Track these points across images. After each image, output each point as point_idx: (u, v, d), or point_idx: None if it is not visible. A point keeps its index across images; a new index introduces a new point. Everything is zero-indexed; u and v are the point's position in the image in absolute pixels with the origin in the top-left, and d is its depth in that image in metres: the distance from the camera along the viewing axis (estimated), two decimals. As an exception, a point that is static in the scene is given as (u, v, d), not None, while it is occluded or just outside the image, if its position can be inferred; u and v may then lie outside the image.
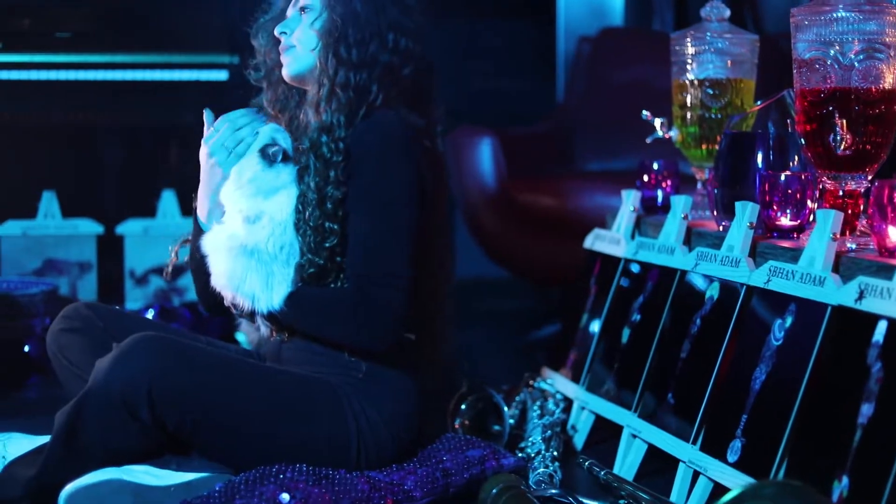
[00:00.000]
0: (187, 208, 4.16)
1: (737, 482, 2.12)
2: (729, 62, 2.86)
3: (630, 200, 2.95)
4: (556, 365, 3.00)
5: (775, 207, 2.42)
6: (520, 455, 2.53)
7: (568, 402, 2.85)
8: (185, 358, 2.23)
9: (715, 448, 2.22)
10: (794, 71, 2.30)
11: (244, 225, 2.34)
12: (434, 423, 2.59)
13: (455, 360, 2.58)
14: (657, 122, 2.94)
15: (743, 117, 2.69)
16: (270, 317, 2.36)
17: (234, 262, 2.32)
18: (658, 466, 2.47)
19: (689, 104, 2.89)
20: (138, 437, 2.19)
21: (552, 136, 4.60)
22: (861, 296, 1.99)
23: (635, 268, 2.80)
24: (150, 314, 3.75)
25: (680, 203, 2.69)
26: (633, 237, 2.91)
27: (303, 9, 2.39)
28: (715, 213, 2.64)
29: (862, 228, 2.27)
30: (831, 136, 2.24)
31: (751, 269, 2.33)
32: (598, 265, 2.98)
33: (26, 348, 3.42)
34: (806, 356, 2.06)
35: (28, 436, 2.40)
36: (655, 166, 3.03)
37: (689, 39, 2.88)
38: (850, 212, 2.26)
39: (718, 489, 2.21)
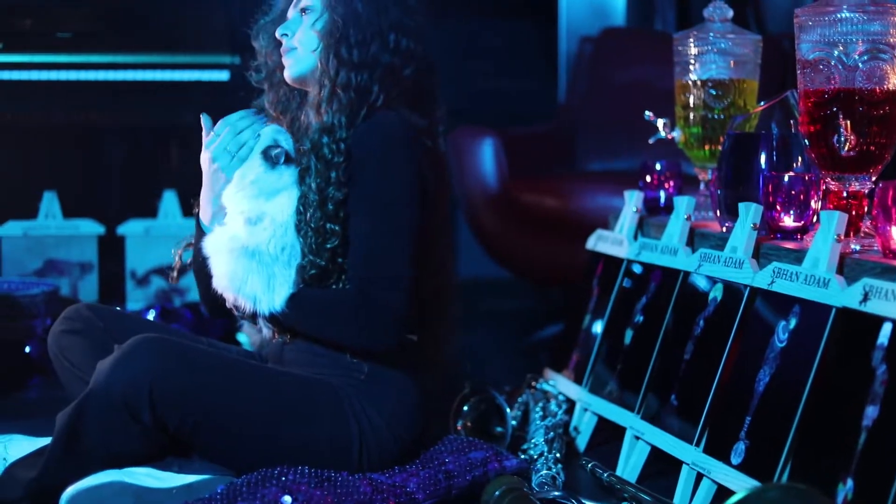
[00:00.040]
0: (189, 209, 4.12)
1: (740, 484, 2.11)
2: (732, 63, 2.85)
3: (633, 201, 2.94)
4: (559, 366, 3.00)
5: (779, 208, 2.41)
6: (522, 457, 2.52)
7: (570, 404, 2.84)
8: (187, 359, 2.22)
9: (718, 450, 2.22)
10: (798, 72, 2.30)
11: (245, 226, 2.33)
12: (436, 425, 2.58)
13: (458, 361, 2.57)
14: (660, 122, 2.94)
15: (746, 118, 2.68)
16: (272, 318, 2.35)
17: (236, 264, 2.32)
18: (661, 468, 2.47)
19: (691, 105, 2.88)
20: (140, 439, 2.19)
21: (554, 136, 4.59)
22: (866, 298, 1.98)
23: (637, 268, 2.79)
24: (151, 315, 3.75)
25: (683, 204, 2.69)
26: (635, 238, 2.90)
27: (304, 10, 2.38)
28: (718, 214, 2.63)
29: (866, 230, 2.26)
30: (835, 137, 2.23)
31: (754, 271, 2.32)
32: (601, 266, 2.98)
33: (27, 349, 3.42)
34: (810, 358, 2.05)
35: (29, 437, 2.40)
36: (658, 167, 3.02)
37: (692, 40, 2.87)
38: (854, 213, 2.25)
39: (722, 491, 2.20)
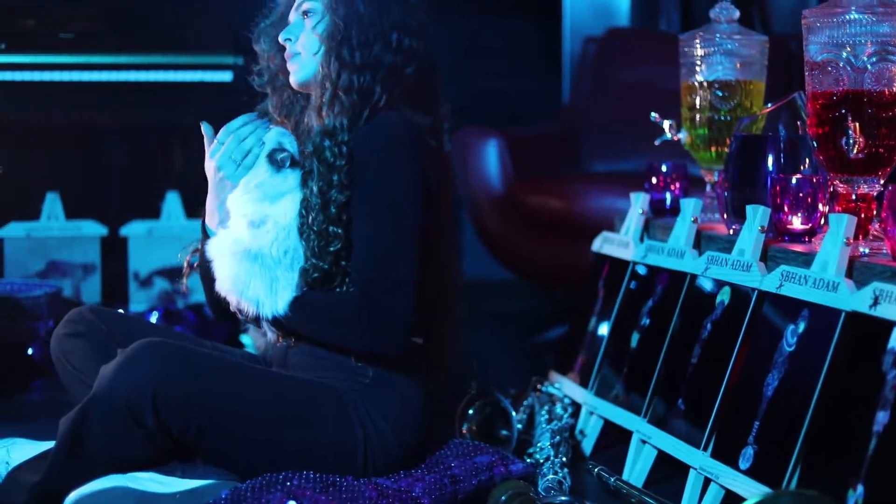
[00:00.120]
0: (191, 210, 4.15)
1: (749, 490, 2.10)
2: (738, 64, 2.84)
3: (639, 203, 2.93)
4: (564, 369, 2.98)
5: (786, 211, 2.40)
6: (528, 461, 2.51)
7: (576, 407, 2.83)
8: (190, 363, 2.21)
9: (727, 455, 2.20)
10: (806, 73, 2.28)
11: (249, 229, 2.32)
12: (441, 428, 2.57)
13: (464, 363, 2.56)
14: (666, 124, 2.92)
15: (753, 120, 2.66)
16: (275, 322, 2.34)
17: (239, 267, 2.31)
18: (667, 472, 2.45)
19: (698, 106, 2.87)
20: (143, 444, 2.17)
21: (558, 136, 4.58)
22: (876, 302, 1.97)
23: (642, 270, 2.78)
24: (154, 317, 3.75)
25: (689, 206, 2.67)
26: (641, 240, 2.89)
27: (305, 13, 2.36)
28: (725, 216, 2.62)
29: (875, 233, 2.25)
30: (844, 139, 2.21)
31: (762, 274, 2.31)
32: (607, 268, 2.96)
33: (30, 351, 3.41)
34: (819, 363, 2.04)
35: (32, 441, 2.39)
36: (664, 168, 3.01)
37: (698, 41, 2.86)
38: (862, 216, 2.24)
39: (730, 497, 2.19)
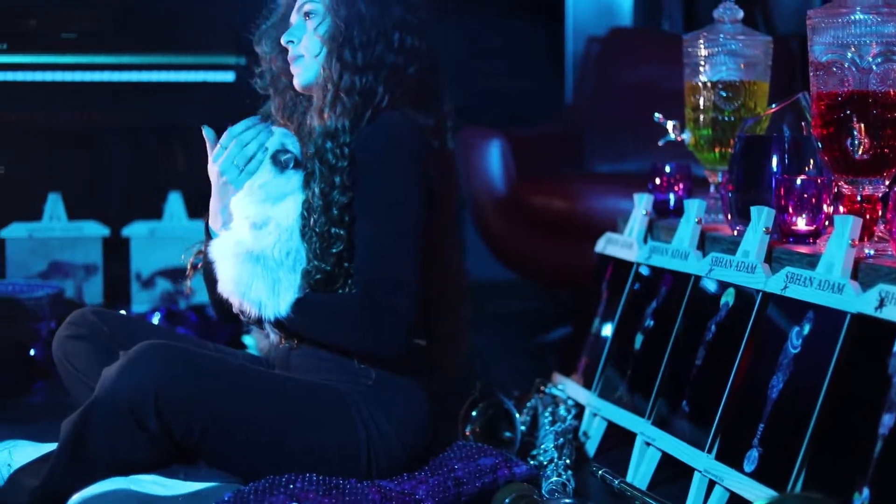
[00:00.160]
0: (194, 210, 4.15)
1: (754, 492, 2.09)
2: (742, 64, 2.83)
3: (642, 204, 2.92)
4: (567, 370, 2.97)
5: (791, 212, 2.39)
6: (532, 463, 2.50)
7: (579, 408, 2.82)
8: (193, 366, 2.20)
9: (731, 457, 2.19)
10: (811, 74, 2.27)
11: (251, 231, 2.31)
12: (444, 429, 2.56)
13: (468, 364, 2.56)
14: (670, 124, 2.91)
15: (757, 120, 2.65)
16: (277, 323, 2.33)
17: (241, 269, 2.30)
18: (672, 475, 2.45)
19: (701, 106, 2.86)
20: (146, 446, 2.17)
21: (561, 137, 4.58)
22: (881, 304, 1.96)
23: (645, 271, 2.77)
24: (156, 317, 3.74)
25: (694, 207, 2.66)
26: (645, 241, 2.88)
27: (307, 14, 2.35)
28: (729, 217, 2.61)
29: (880, 234, 2.24)
30: (849, 140, 2.21)
31: (767, 276, 2.30)
32: (610, 269, 2.95)
33: (32, 352, 3.40)
34: (825, 365, 2.03)
35: (34, 443, 2.38)
36: (668, 169, 3.00)
37: (701, 41, 2.85)
38: (867, 217, 2.23)
39: (735, 499, 2.18)
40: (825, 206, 2.37)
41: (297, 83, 2.37)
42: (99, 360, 2.32)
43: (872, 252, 2.18)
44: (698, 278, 2.54)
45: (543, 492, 2.36)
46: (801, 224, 2.38)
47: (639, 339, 2.70)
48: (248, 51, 2.55)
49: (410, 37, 2.32)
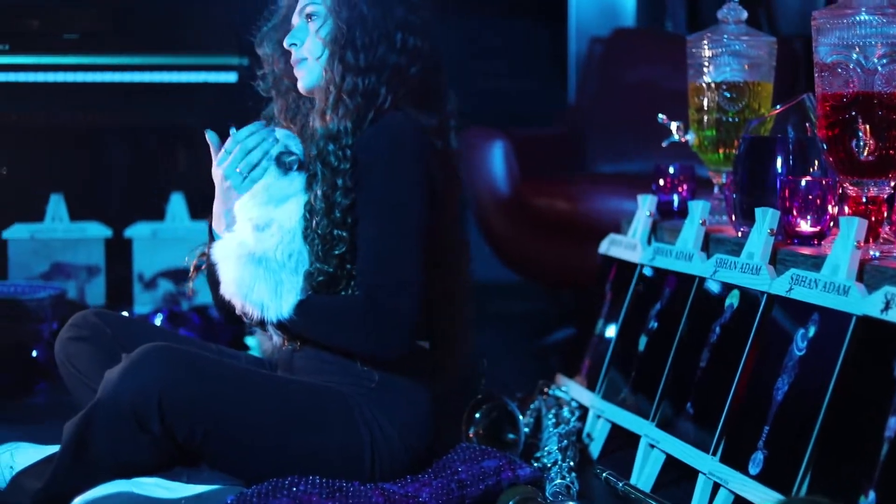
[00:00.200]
0: (196, 211, 4.14)
1: (758, 495, 2.08)
2: (746, 65, 2.82)
3: (646, 205, 2.91)
4: (571, 372, 2.97)
5: (795, 213, 2.38)
6: (536, 465, 2.49)
7: (583, 410, 2.81)
8: (196, 368, 2.20)
9: (736, 460, 2.18)
10: (816, 75, 2.26)
11: (253, 233, 2.31)
12: (448, 431, 2.55)
13: (472, 365, 2.55)
14: (674, 125, 2.91)
15: (761, 121, 2.65)
16: (280, 325, 2.32)
17: (243, 271, 2.29)
18: (676, 477, 2.44)
19: (705, 107, 2.85)
20: (148, 449, 2.16)
21: (564, 137, 4.57)
22: (887, 306, 1.95)
23: (649, 272, 2.76)
24: (158, 318, 3.73)
25: (698, 208, 2.66)
26: (649, 242, 2.87)
27: (309, 16, 2.34)
28: (733, 218, 2.60)
29: (885, 236, 2.23)
30: (854, 141, 2.20)
31: (772, 277, 2.29)
32: (614, 271, 2.95)
33: (34, 353, 3.40)
34: (830, 367, 2.02)
35: (36, 445, 2.38)
36: (671, 170, 2.99)
37: (705, 42, 2.84)
38: (873, 218, 2.22)
39: (739, 502, 2.17)
40: (830, 208, 2.36)
41: (301, 86, 2.36)
42: (101, 361, 2.31)
43: (878, 254, 2.17)
44: (702, 280, 2.53)
45: (547, 494, 2.35)
46: (806, 225, 2.37)
47: (643, 341, 2.69)
48: (250, 52, 2.54)
49: (413, 37, 2.31)
